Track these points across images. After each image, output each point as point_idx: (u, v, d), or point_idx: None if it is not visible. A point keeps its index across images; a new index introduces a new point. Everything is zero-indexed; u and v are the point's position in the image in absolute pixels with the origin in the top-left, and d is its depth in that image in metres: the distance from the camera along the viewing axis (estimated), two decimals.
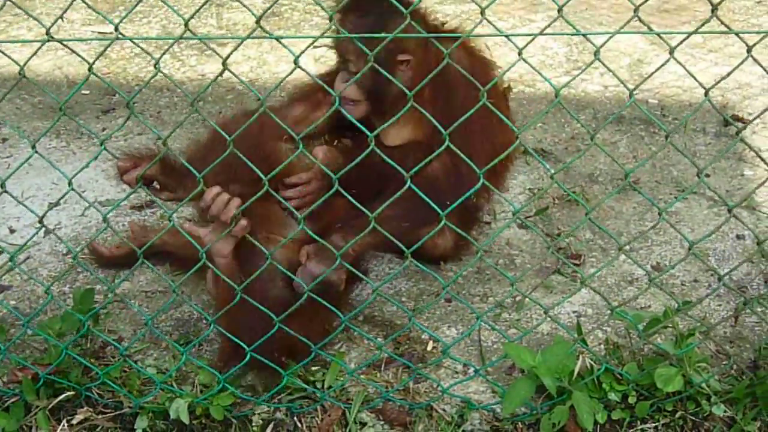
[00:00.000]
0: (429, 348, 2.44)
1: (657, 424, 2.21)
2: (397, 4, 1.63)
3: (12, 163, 3.31)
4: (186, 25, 1.66)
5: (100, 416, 2.26)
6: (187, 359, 2.27)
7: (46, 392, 2.26)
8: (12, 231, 2.94)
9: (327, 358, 2.32)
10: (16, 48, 3.93)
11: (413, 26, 1.72)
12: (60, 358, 2.20)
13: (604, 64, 1.70)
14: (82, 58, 1.83)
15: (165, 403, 2.21)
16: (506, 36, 1.66)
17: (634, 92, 1.72)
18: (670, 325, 2.25)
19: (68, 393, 2.25)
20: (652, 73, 1.78)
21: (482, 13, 1.58)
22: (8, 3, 1.75)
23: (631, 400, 2.21)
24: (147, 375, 2.28)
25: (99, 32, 4.34)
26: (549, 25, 1.68)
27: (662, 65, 1.74)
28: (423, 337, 2.46)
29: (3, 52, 1.89)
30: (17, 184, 3.09)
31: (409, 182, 1.79)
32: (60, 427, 2.23)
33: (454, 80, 2.22)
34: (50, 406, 2.24)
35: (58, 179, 3.13)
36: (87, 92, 3.73)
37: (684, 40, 1.75)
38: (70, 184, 1.90)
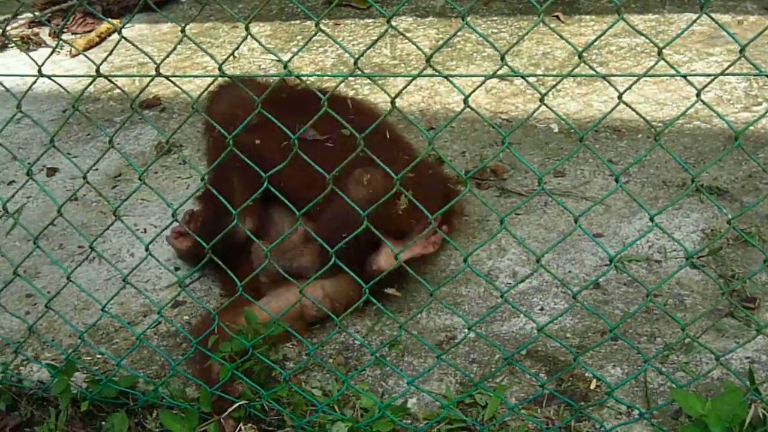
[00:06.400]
0: (592, 386, 2.40)
1: None
2: None
3: (191, 184, 3.47)
4: (355, 63, 1.71)
5: None
6: (349, 386, 2.33)
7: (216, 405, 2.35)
8: None
9: (488, 391, 2.33)
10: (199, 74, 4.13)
11: None
12: (225, 379, 2.29)
13: None
14: (251, 95, 1.92)
15: (326, 424, 2.26)
16: (684, 76, 1.63)
17: None
18: None
19: (239, 402, 2.32)
20: None
21: (659, 53, 1.56)
22: (193, 32, 1.84)
23: None
24: (309, 398, 2.35)
25: (277, 60, 4.50)
26: (731, 65, 1.64)
27: None
28: (587, 374, 2.42)
29: (179, 87, 1.99)
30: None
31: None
32: None
33: None
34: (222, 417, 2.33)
35: None
36: None
37: None
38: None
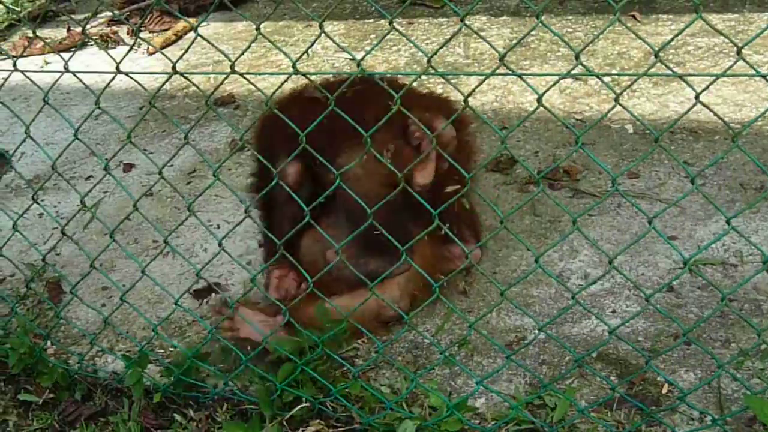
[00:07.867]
0: (664, 391, 2.36)
1: None
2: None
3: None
4: (429, 62, 1.70)
5: (330, 430, 2.35)
6: (418, 384, 2.33)
7: (281, 401, 2.37)
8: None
9: (557, 393, 2.31)
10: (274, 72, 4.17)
11: None
12: (293, 374, 2.30)
13: None
14: (323, 91, 1.93)
15: (395, 422, 2.27)
16: (763, 76, 1.60)
17: None
18: None
19: (303, 405, 2.34)
20: None
21: (739, 52, 1.53)
22: (267, 30, 1.86)
23: None
24: (377, 396, 2.35)
25: (350, 58, 4.52)
26: None
27: None
28: (658, 379, 2.39)
29: (254, 84, 2.01)
30: None
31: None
32: None
33: None
34: (285, 418, 2.35)
35: None
36: None
37: None
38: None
